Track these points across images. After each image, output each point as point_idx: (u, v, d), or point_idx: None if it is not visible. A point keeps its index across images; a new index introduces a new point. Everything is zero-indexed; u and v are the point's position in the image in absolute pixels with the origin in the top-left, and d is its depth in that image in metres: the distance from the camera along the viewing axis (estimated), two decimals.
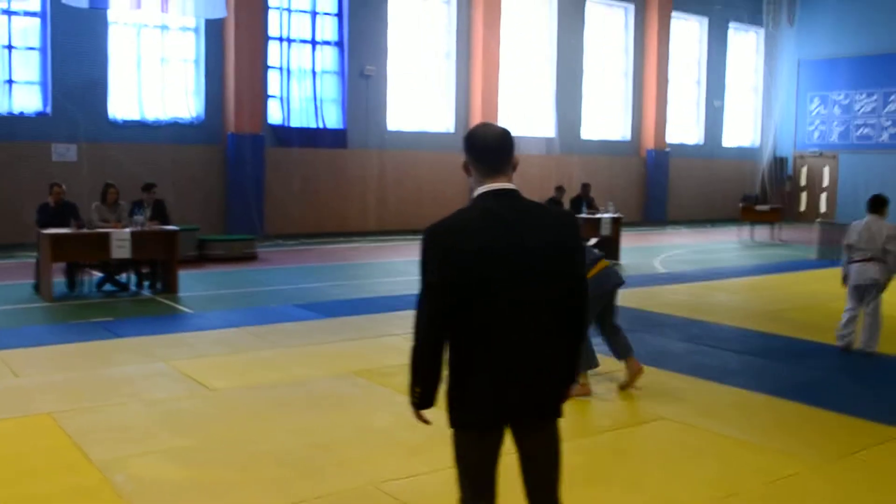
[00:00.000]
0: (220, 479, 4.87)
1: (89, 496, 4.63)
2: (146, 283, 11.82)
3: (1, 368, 7.27)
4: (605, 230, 15.78)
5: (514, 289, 2.98)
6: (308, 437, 5.64)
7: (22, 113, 16.49)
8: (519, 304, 2.99)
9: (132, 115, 17.52)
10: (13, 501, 4.56)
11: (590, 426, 6.08)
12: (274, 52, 19.15)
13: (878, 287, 8.39)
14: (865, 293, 8.47)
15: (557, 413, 3.14)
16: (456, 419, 3.07)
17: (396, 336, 8.54)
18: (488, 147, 3.08)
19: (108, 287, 11.69)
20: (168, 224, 11.92)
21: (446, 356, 3.05)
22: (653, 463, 5.33)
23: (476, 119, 21.81)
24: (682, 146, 27.30)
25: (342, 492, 4.71)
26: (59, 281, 11.29)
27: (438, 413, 3.10)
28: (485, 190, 3.07)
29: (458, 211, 3.08)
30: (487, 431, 3.07)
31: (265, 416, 6.11)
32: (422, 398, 3.07)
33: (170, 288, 11.51)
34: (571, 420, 6.01)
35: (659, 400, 6.69)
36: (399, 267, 14.51)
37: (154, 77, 17.84)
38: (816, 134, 28.15)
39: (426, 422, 3.16)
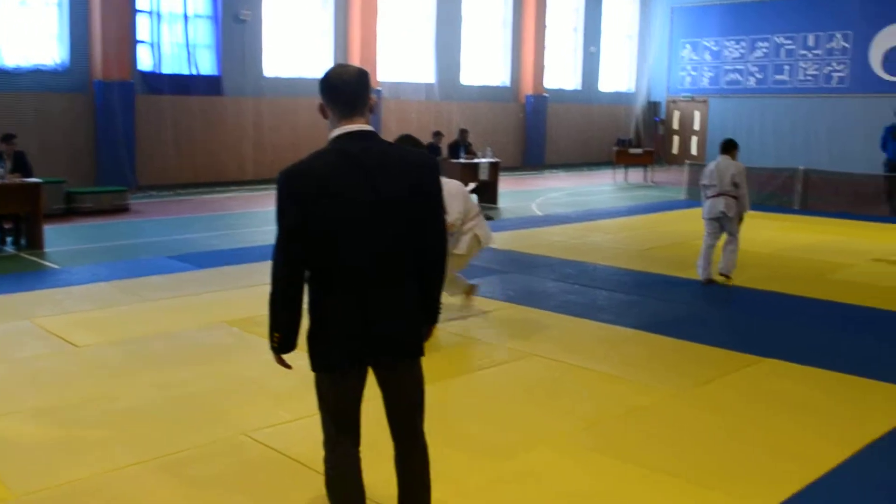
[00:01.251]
0: (85, 438, 4.75)
1: None
2: (9, 239, 11.31)
3: None
4: (483, 175, 15.95)
5: (370, 233, 2.99)
6: (176, 389, 5.56)
7: None
8: (375, 249, 3.00)
9: None
10: None
11: (462, 365, 6.20)
12: None
13: (728, 219, 9.03)
14: (721, 225, 9.12)
15: (417, 353, 3.19)
16: (316, 362, 3.10)
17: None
18: (344, 88, 3.04)
19: None
20: (30, 177, 11.37)
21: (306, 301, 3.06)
22: (521, 398, 5.49)
23: (355, 64, 21.49)
24: (560, 91, 27.67)
25: (211, 443, 4.67)
26: None
27: (306, 359, 3.11)
28: (341, 132, 3.04)
29: (314, 154, 3.04)
30: (346, 373, 3.10)
31: (132, 371, 5.97)
32: (281, 343, 3.08)
33: (35, 243, 11.03)
34: (443, 360, 6.16)
35: (529, 337, 6.87)
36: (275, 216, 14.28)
37: (12, 21, 16.82)
38: (688, 79, 28.97)
39: (287, 366, 3.19)
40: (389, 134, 21.70)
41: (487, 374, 6.01)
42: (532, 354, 6.41)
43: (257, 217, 14.11)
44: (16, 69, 16.67)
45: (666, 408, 5.32)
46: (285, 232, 2.97)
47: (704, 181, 9.20)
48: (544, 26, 26.27)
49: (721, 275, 9.13)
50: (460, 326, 7.16)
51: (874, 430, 4.95)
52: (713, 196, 9.08)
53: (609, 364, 6.20)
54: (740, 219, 9.16)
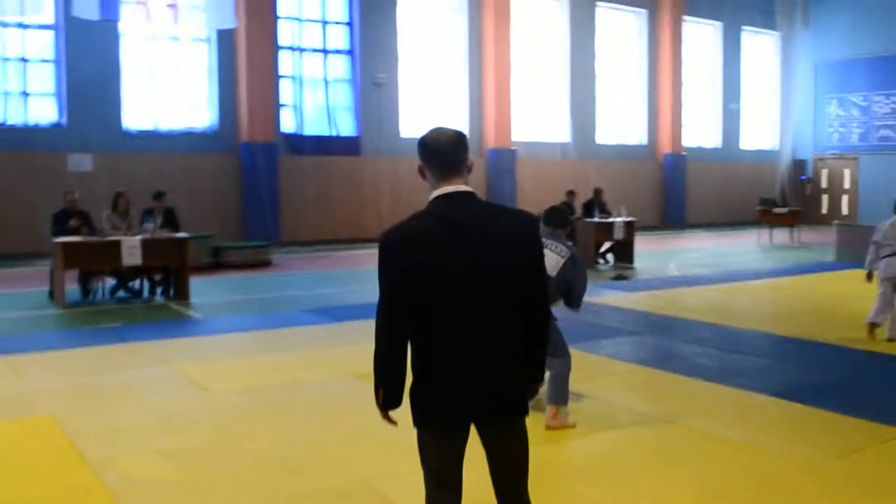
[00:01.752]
0: (208, 479, 4.92)
1: (81, 495, 4.69)
2: (159, 290, 11.94)
3: (7, 372, 7.41)
4: (618, 234, 15.75)
5: (470, 294, 2.98)
6: (299, 437, 5.68)
7: (37, 124, 16.75)
8: (475, 309, 2.99)
9: (146, 125, 17.70)
10: (3, 501, 4.63)
11: (583, 427, 6.05)
12: (285, 62, 19.28)
13: None
14: (894, 286, 8.79)
15: (522, 412, 3.14)
16: (418, 419, 3.10)
17: None
18: (441, 150, 3.08)
19: (121, 294, 11.82)
20: (179, 231, 12.02)
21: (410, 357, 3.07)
22: (642, 462, 5.30)
23: (489, 125, 21.85)
24: (699, 150, 27.18)
25: (328, 489, 4.74)
26: (73, 288, 11.45)
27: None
28: (440, 193, 3.06)
29: (414, 216, 3.07)
30: (449, 431, 3.08)
31: (259, 417, 6.15)
32: (385, 400, 3.11)
33: (182, 294, 11.61)
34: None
35: (656, 401, 6.65)
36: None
37: (167, 87, 18.02)
38: (836, 136, 27.90)
39: (393, 422, 3.18)
40: (524, 193, 21.84)
41: (606, 436, 5.83)
42: (657, 418, 6.19)
43: None
44: (169, 132, 17.81)
45: (798, 481, 5.00)
46: (386, 292, 3.01)
47: (877, 238, 8.89)
48: (681, 84, 25.98)
49: (890, 340, 8.78)
50: (585, 387, 7.01)
51: None
52: (889, 255, 8.76)
53: (739, 431, 5.90)
54: None
